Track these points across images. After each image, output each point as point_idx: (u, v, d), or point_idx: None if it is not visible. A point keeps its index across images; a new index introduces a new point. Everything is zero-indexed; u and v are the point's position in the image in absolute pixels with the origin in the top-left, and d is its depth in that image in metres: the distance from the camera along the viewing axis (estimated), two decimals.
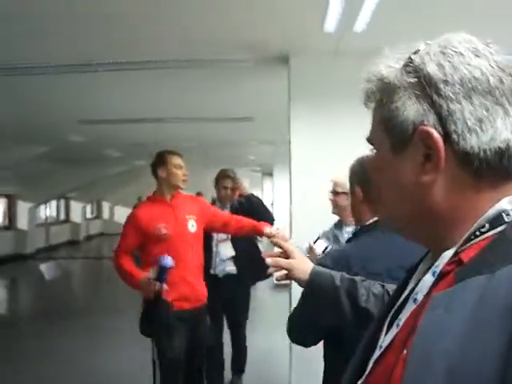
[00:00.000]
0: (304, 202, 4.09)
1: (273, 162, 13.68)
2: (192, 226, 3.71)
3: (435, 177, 0.69)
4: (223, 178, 5.07)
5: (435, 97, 0.67)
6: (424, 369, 0.58)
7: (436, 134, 0.67)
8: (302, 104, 4.42)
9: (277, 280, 1.77)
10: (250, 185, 22.27)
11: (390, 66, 0.74)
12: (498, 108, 0.66)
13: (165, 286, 3.26)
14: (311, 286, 1.59)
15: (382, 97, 0.74)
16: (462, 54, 0.68)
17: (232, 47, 4.37)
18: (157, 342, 3.47)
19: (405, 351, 0.65)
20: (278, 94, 5.59)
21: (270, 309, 8.23)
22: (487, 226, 0.66)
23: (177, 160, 3.75)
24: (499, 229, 0.64)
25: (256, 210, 4.53)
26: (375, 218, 1.86)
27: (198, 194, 11.89)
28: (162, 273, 3.24)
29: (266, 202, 15.06)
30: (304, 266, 1.62)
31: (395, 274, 1.55)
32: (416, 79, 0.70)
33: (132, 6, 3.39)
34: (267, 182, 17.19)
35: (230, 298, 4.71)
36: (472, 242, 0.66)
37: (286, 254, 1.67)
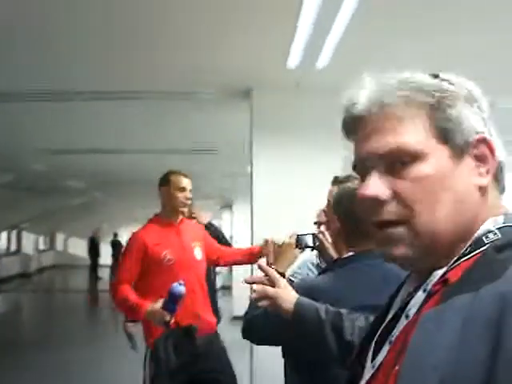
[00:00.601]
0: (266, 233, 4.09)
1: (232, 194, 13.68)
2: (198, 253, 3.46)
3: (489, 180, 0.74)
4: None
5: (478, 110, 0.75)
6: (416, 382, 0.61)
7: (492, 142, 0.74)
8: (263, 137, 4.49)
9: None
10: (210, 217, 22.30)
11: (425, 77, 0.77)
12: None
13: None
14: (295, 317, 1.55)
15: (442, 101, 0.73)
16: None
17: (195, 80, 4.43)
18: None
19: (396, 367, 0.66)
20: (240, 127, 5.67)
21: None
22: (469, 249, 0.70)
23: (180, 181, 3.45)
24: (481, 249, 0.68)
25: (216, 237, 4.37)
26: (350, 253, 1.83)
27: None
28: (174, 302, 2.84)
29: (226, 235, 15.03)
30: (289, 296, 1.58)
31: (363, 311, 1.57)
32: (464, 91, 0.75)
33: (96, 38, 3.42)
34: (226, 215, 17.14)
35: None
36: (458, 263, 0.70)
37: (271, 281, 1.63)
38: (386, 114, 0.75)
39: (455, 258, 0.70)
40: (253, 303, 1.83)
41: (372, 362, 0.79)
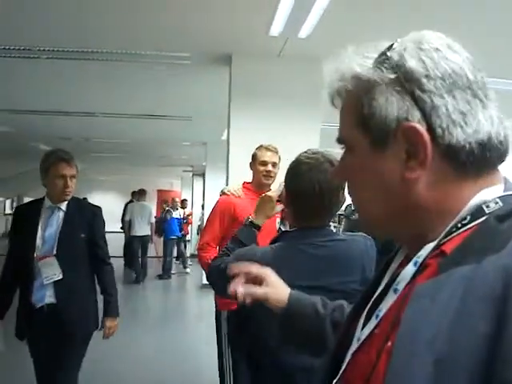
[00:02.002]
0: None
1: (205, 162, 13.62)
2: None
3: (421, 173, 0.68)
4: None
5: (418, 92, 0.67)
6: (411, 359, 0.57)
7: (421, 130, 0.66)
8: (242, 104, 4.45)
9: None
10: (181, 185, 22.16)
11: (362, 63, 0.72)
12: (477, 101, 0.67)
13: None
14: (289, 315, 1.36)
15: (360, 94, 0.72)
16: (438, 50, 0.68)
17: (173, 43, 4.32)
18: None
19: (389, 343, 0.64)
20: (217, 94, 5.58)
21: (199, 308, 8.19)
22: (468, 217, 0.66)
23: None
24: (481, 220, 0.65)
25: None
26: (295, 228, 1.80)
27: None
28: None
29: (197, 203, 14.99)
30: (279, 295, 1.34)
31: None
32: (395, 75, 0.68)
33: None
34: (199, 183, 17.06)
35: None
36: (454, 234, 0.66)
37: (257, 279, 1.32)
38: (338, 102, 0.78)
39: (447, 230, 0.67)
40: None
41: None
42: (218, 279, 1.83)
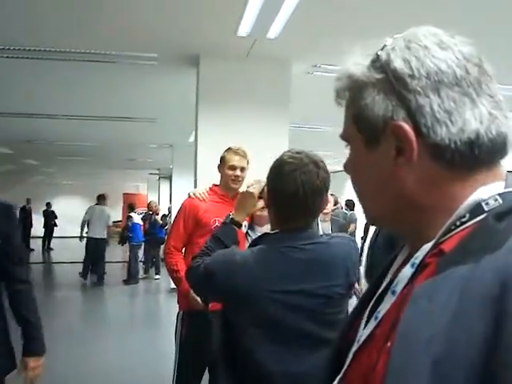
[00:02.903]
0: None
1: (171, 164, 13.52)
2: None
3: (409, 170, 0.69)
4: None
5: (403, 92, 0.68)
6: (409, 359, 0.57)
7: (406, 127, 0.67)
8: (209, 106, 4.39)
9: None
10: (147, 188, 21.95)
11: (357, 63, 0.74)
12: (465, 99, 0.67)
13: None
14: None
15: (352, 94, 0.75)
16: (427, 48, 0.69)
17: (139, 43, 4.22)
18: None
19: (388, 343, 0.64)
20: (183, 96, 5.52)
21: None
22: (467, 215, 0.66)
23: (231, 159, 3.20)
24: (479, 218, 0.65)
25: None
26: (277, 231, 1.74)
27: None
28: None
29: (164, 206, 14.87)
30: None
31: (277, 295, 1.56)
32: (383, 75, 0.70)
33: None
34: (165, 186, 16.93)
35: None
36: (452, 233, 0.66)
37: None
38: (340, 101, 0.80)
39: (444, 229, 0.67)
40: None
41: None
42: (198, 281, 1.79)
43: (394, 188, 0.72)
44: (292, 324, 1.59)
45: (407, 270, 0.70)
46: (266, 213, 2.97)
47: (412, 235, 0.75)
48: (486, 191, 0.67)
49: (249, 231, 3.28)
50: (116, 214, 22.73)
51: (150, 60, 4.56)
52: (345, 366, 0.78)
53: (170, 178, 14.38)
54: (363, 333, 0.76)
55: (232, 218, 2.07)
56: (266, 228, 3.25)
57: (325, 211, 3.62)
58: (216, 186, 3.32)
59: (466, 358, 0.53)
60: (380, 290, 0.78)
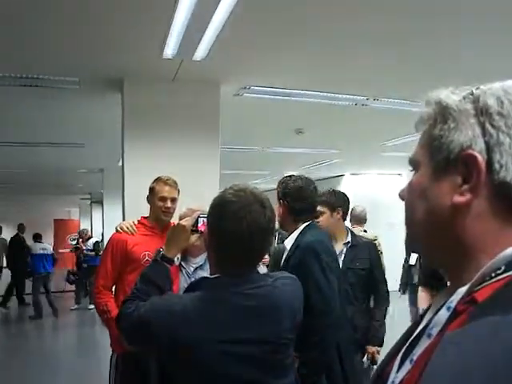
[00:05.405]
0: None
1: (102, 189, 13.18)
2: None
3: (470, 199, 0.71)
4: None
5: (488, 126, 0.71)
6: None
7: (480, 158, 0.70)
8: (136, 130, 4.27)
9: None
10: (79, 213, 21.27)
11: (450, 95, 0.77)
12: None
13: None
14: None
15: (437, 118, 0.77)
16: None
17: (60, 67, 4.05)
18: None
19: None
20: (109, 121, 5.37)
21: None
22: (503, 267, 0.66)
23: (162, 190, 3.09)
24: None
25: None
26: (217, 275, 1.59)
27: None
28: None
29: (97, 231, 14.43)
30: None
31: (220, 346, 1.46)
32: (473, 105, 0.73)
33: None
34: (97, 211, 16.48)
35: None
36: (487, 283, 0.66)
37: None
38: (419, 128, 0.82)
39: (478, 276, 0.67)
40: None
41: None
42: (131, 330, 1.64)
43: (447, 217, 0.73)
44: (238, 374, 1.49)
45: (443, 314, 0.70)
46: (199, 242, 2.90)
47: (451, 271, 0.77)
48: None
49: (182, 263, 3.16)
50: (46, 241, 22.01)
51: (71, 84, 4.38)
52: None
53: (101, 203, 14.04)
54: (396, 376, 0.76)
55: (163, 255, 1.88)
56: (201, 259, 3.18)
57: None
58: (145, 218, 3.17)
59: None
60: (417, 331, 0.77)
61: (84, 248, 11.44)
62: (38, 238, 11.10)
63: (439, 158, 0.75)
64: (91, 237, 12.07)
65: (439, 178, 0.75)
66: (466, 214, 0.72)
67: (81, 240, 11.37)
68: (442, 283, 3.20)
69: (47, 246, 11.10)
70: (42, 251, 10.70)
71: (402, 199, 0.83)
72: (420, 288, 3.68)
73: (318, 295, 2.44)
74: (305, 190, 2.74)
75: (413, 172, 0.83)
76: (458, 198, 0.71)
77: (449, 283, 0.81)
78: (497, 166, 0.69)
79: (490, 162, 0.70)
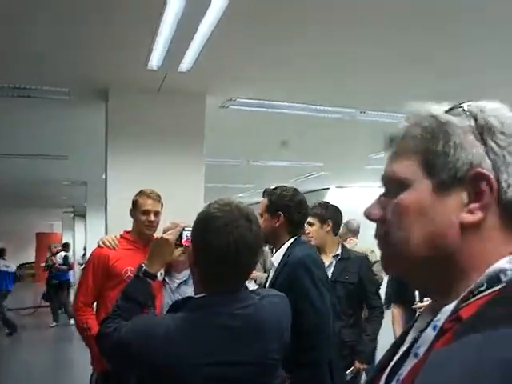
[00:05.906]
0: None
1: (85, 203, 13.04)
2: None
3: (482, 218, 0.70)
4: None
5: (493, 144, 0.70)
6: None
7: (492, 177, 0.69)
8: (120, 142, 4.20)
9: None
10: (62, 227, 21.05)
11: (436, 108, 0.76)
12: None
13: None
14: None
15: (436, 134, 0.74)
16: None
17: (50, 77, 3.99)
18: None
19: None
20: (93, 132, 5.30)
21: None
22: (485, 285, 0.66)
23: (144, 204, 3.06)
24: (496, 288, 0.65)
25: None
26: (202, 294, 1.53)
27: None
28: None
29: (79, 244, 14.28)
30: None
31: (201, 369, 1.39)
32: (474, 122, 0.72)
33: None
34: (80, 224, 16.31)
35: None
36: (472, 300, 0.66)
37: None
38: (401, 143, 0.79)
39: (464, 294, 0.67)
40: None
41: None
42: (111, 350, 1.58)
43: (448, 236, 0.71)
44: None
45: (429, 333, 0.69)
46: (183, 257, 2.84)
47: (437, 292, 0.75)
48: (508, 262, 0.67)
49: (166, 278, 3.09)
50: (28, 255, 21.74)
51: (61, 95, 4.32)
52: None
53: (85, 216, 13.90)
54: None
55: (145, 270, 1.81)
56: (185, 274, 3.10)
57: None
58: (128, 232, 3.11)
59: None
60: (402, 351, 0.76)
61: (56, 262, 11.32)
62: (1, 254, 10.90)
63: (443, 176, 0.73)
64: (60, 251, 11.92)
65: (443, 195, 0.73)
66: (475, 232, 0.70)
67: (51, 255, 11.25)
68: (412, 298, 3.19)
69: (10, 264, 10.91)
70: (5, 268, 10.52)
71: (374, 220, 0.79)
72: (392, 305, 3.66)
73: (311, 309, 2.40)
74: (305, 203, 2.74)
75: (384, 190, 0.80)
76: (469, 217, 0.70)
77: (429, 300, 0.80)
78: (504, 185, 0.69)
79: (497, 181, 0.70)
